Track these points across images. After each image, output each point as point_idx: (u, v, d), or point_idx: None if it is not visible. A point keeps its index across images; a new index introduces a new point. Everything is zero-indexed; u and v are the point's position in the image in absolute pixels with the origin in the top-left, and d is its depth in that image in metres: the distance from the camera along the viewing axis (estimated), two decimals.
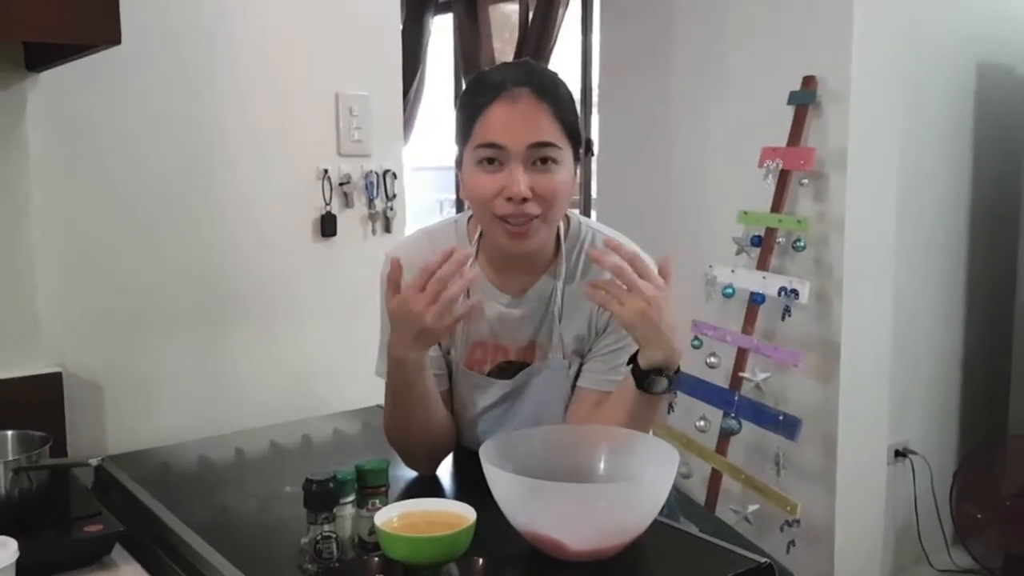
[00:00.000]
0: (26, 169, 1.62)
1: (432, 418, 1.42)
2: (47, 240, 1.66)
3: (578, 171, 1.41)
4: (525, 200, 1.30)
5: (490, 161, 1.32)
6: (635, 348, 1.34)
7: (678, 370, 1.33)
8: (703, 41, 2.97)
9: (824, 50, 2.61)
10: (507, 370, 1.46)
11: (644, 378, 1.30)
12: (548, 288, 1.44)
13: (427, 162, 5.22)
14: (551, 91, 1.33)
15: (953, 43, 3.10)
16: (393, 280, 1.28)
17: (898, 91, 2.74)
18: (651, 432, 1.42)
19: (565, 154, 1.34)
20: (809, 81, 2.62)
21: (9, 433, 1.44)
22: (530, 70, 1.36)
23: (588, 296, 1.31)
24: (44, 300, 1.66)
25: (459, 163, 1.40)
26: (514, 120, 1.30)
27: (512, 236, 1.34)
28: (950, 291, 3.25)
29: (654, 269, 1.29)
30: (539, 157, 1.31)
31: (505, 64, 1.41)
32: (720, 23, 2.90)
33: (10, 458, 1.38)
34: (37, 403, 1.59)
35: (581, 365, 1.46)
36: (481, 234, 1.44)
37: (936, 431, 3.25)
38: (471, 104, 1.34)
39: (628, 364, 1.34)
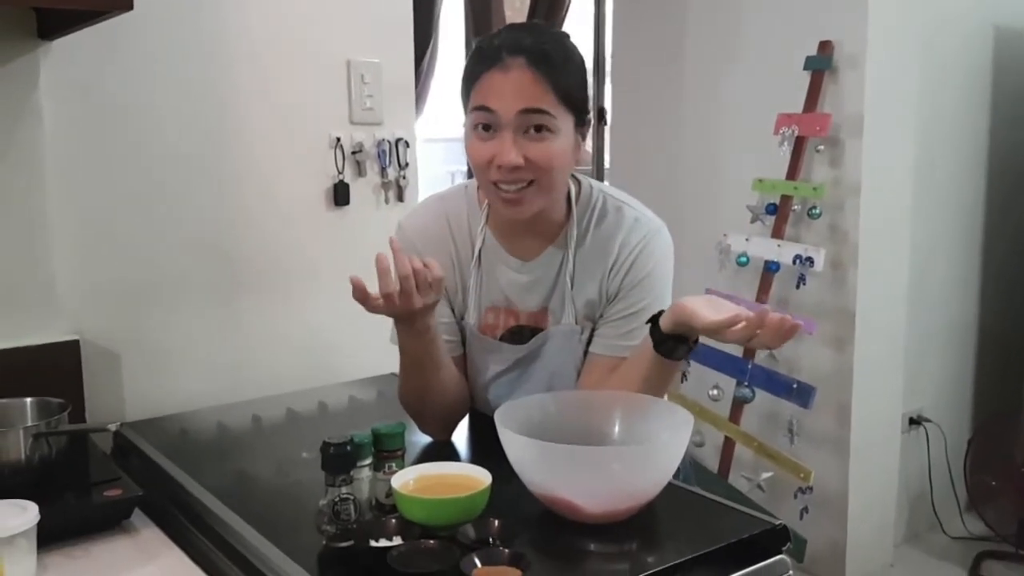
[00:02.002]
0: (40, 138, 1.63)
1: (445, 383, 1.42)
2: (63, 209, 1.67)
3: (586, 139, 1.40)
4: (516, 168, 1.30)
5: (485, 128, 1.32)
6: (648, 314, 1.34)
7: (697, 338, 1.32)
8: (718, 7, 2.94)
9: (840, 14, 2.58)
10: (519, 334, 1.47)
11: (664, 343, 1.30)
12: (559, 253, 1.44)
13: (439, 133, 5.20)
14: (549, 58, 1.31)
15: (969, 6, 3.05)
16: (360, 289, 1.24)
17: (915, 56, 2.71)
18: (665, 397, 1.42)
19: (561, 122, 1.32)
20: (825, 46, 2.59)
21: (28, 400, 1.45)
22: (531, 36, 1.33)
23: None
24: (61, 268, 1.67)
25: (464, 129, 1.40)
26: (506, 87, 1.30)
27: (506, 203, 1.34)
28: (966, 258, 3.23)
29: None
30: (532, 124, 1.30)
31: (509, 27, 1.40)
32: None
33: (29, 424, 1.40)
34: (55, 370, 1.61)
35: (593, 331, 1.46)
36: None
37: (950, 399, 3.25)
38: (470, 72, 1.35)
39: (647, 323, 1.33)
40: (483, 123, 1.32)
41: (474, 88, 1.33)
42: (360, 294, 1.24)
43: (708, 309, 1.25)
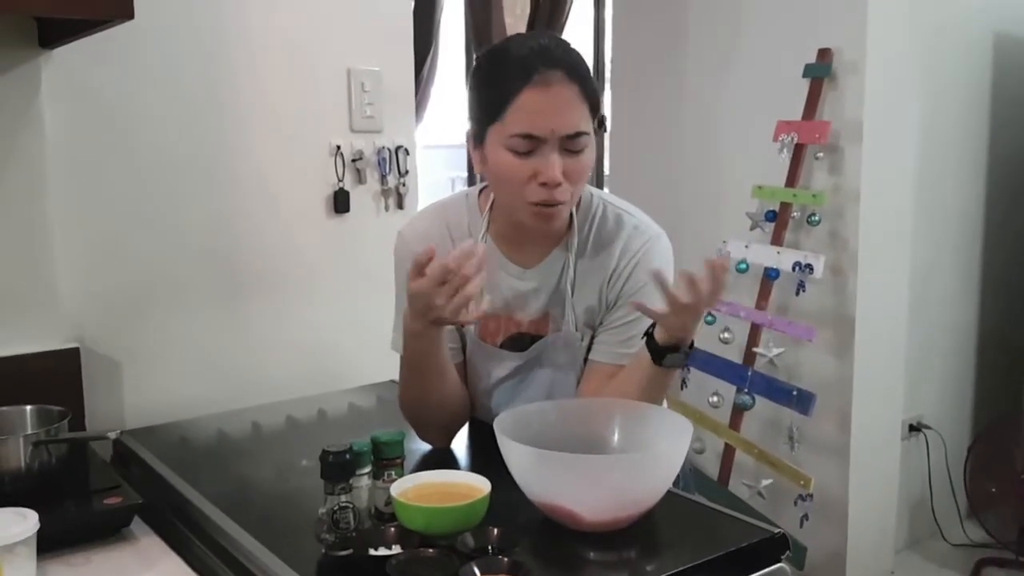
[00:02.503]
0: (42, 145, 1.63)
1: (447, 390, 1.43)
2: (64, 215, 1.67)
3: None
4: (558, 185, 1.30)
5: (522, 151, 1.29)
6: (648, 322, 1.35)
7: (692, 344, 1.33)
8: (718, 14, 2.94)
9: (839, 22, 2.59)
10: (519, 342, 1.47)
11: (661, 353, 1.30)
12: (560, 260, 1.44)
13: (439, 140, 5.20)
14: (580, 70, 1.31)
15: (970, 13, 3.06)
16: (419, 263, 1.23)
17: (914, 63, 2.71)
18: (665, 404, 1.42)
19: (592, 135, 1.33)
20: (824, 53, 2.60)
21: (28, 407, 1.45)
22: (558, 47, 1.32)
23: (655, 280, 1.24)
24: (62, 275, 1.67)
25: (477, 139, 1.36)
26: (549, 108, 1.28)
27: (541, 218, 1.34)
28: (966, 265, 3.23)
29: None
30: (575, 148, 1.30)
31: (526, 37, 1.37)
32: None
33: (29, 432, 1.40)
34: (56, 378, 1.61)
35: (592, 338, 1.46)
36: (492, 207, 1.44)
37: (951, 406, 3.25)
38: (499, 82, 1.30)
39: (643, 338, 1.34)
40: (526, 149, 1.29)
41: (511, 105, 1.28)
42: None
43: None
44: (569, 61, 1.31)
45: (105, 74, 1.70)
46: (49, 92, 1.63)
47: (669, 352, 1.30)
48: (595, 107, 1.33)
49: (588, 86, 1.31)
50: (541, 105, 1.28)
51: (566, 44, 1.35)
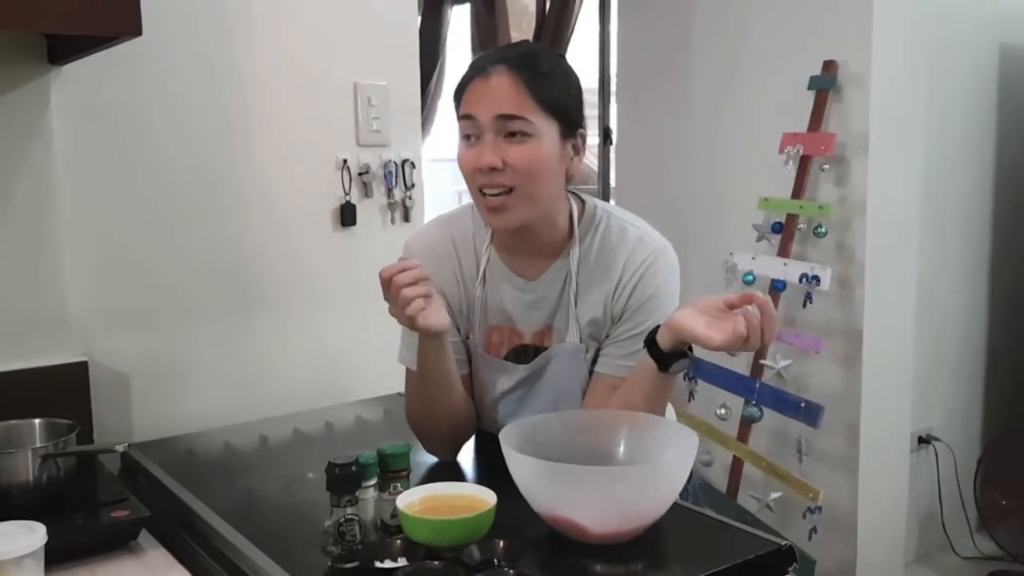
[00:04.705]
0: (51, 161, 1.64)
1: (454, 402, 1.43)
2: (73, 231, 1.68)
3: (579, 153, 1.40)
4: (494, 169, 1.32)
5: (468, 137, 1.36)
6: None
7: (691, 347, 1.34)
8: (722, 27, 2.95)
9: (844, 34, 2.59)
10: (523, 354, 1.47)
11: (667, 360, 1.31)
12: (563, 272, 1.44)
13: (445, 154, 5.21)
14: (530, 65, 1.34)
15: (975, 25, 3.06)
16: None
17: (920, 75, 2.71)
18: (673, 415, 1.42)
19: (542, 128, 1.33)
20: (829, 66, 2.60)
21: (37, 421, 1.46)
22: (518, 48, 1.41)
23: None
24: (70, 290, 1.68)
25: None
26: (485, 93, 1.34)
27: (490, 210, 1.36)
28: (973, 276, 3.22)
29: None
30: (509, 129, 1.33)
31: (500, 47, 1.44)
32: (739, 9, 2.88)
33: (38, 445, 1.41)
34: (64, 391, 1.62)
35: (598, 351, 1.46)
36: None
37: (960, 418, 3.23)
38: (459, 84, 1.40)
39: (644, 347, 1.34)
40: (468, 132, 1.36)
41: (461, 99, 1.38)
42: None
43: (710, 329, 1.25)
44: (520, 58, 1.35)
45: (113, 90, 1.71)
46: (58, 108, 1.65)
47: (676, 359, 1.31)
48: (554, 105, 1.34)
49: (539, 82, 1.33)
50: (480, 90, 1.35)
51: (538, 49, 1.42)
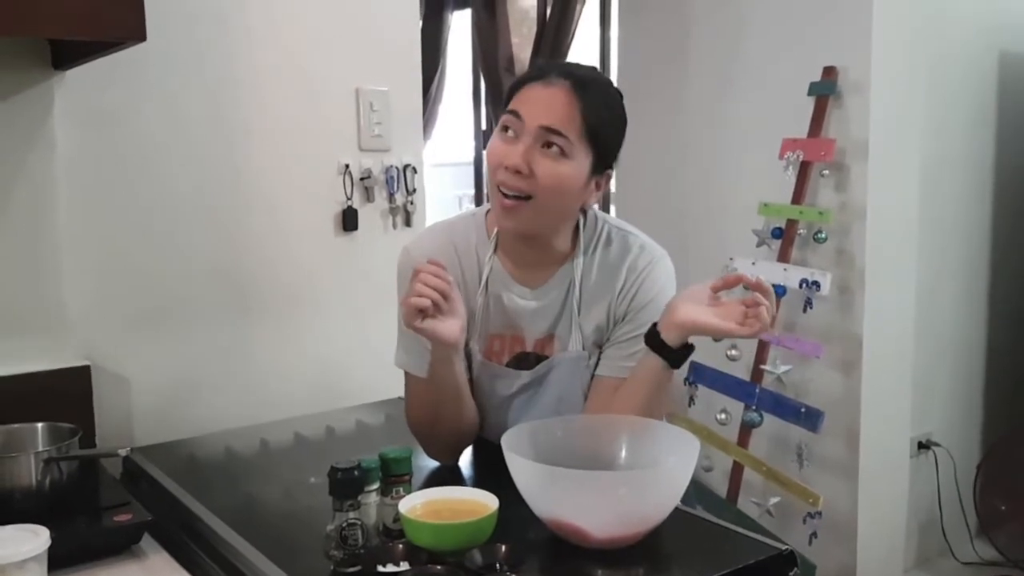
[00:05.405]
0: (54, 165, 1.65)
1: (462, 409, 1.44)
2: (75, 235, 1.69)
3: (600, 190, 1.42)
4: (519, 172, 1.32)
5: (506, 129, 1.36)
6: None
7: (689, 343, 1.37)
8: (722, 33, 2.96)
9: (844, 40, 2.60)
10: (525, 361, 1.47)
11: (676, 356, 1.34)
12: (566, 280, 1.45)
13: (447, 158, 5.23)
14: (591, 91, 1.35)
15: (975, 32, 3.07)
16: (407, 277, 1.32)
17: (919, 81, 2.72)
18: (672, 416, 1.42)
19: (578, 152, 1.34)
20: (829, 72, 2.61)
21: (39, 425, 1.46)
22: (587, 70, 1.40)
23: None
24: (72, 294, 1.69)
25: None
26: (540, 98, 1.34)
27: (503, 209, 1.36)
28: (973, 281, 3.22)
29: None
30: (546, 141, 1.33)
31: (569, 62, 1.45)
32: (739, 15, 2.89)
33: (40, 449, 1.41)
34: (66, 396, 1.62)
35: (600, 354, 1.47)
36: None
37: (959, 423, 3.23)
38: (516, 82, 1.40)
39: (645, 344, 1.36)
40: (508, 126, 1.36)
41: (515, 95, 1.37)
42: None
43: (726, 321, 1.31)
44: (584, 81, 1.35)
45: (116, 95, 1.72)
46: (61, 113, 1.65)
47: (683, 353, 1.34)
48: (595, 135, 1.35)
49: (593, 109, 1.34)
50: (536, 93, 1.35)
51: (603, 81, 1.42)
